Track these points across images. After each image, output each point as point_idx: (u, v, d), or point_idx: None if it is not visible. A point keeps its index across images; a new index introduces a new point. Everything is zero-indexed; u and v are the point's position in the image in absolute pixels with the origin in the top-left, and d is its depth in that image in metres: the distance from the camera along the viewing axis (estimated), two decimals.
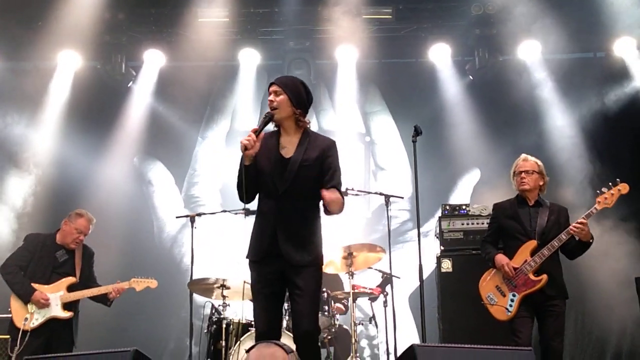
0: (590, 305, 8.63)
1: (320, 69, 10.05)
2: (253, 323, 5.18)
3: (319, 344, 6.62)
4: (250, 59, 9.80)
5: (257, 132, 4.40)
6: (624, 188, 5.66)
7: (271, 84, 4.61)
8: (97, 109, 9.69)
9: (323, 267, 6.07)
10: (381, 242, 7.22)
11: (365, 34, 9.39)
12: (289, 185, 4.47)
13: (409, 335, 8.74)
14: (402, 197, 7.57)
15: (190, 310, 7.02)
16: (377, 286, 7.19)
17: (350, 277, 6.76)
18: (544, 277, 5.63)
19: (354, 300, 6.80)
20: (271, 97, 4.55)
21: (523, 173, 5.89)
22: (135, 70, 9.88)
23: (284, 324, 6.35)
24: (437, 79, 9.89)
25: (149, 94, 9.92)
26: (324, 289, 6.78)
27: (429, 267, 7.42)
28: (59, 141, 9.49)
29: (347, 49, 9.61)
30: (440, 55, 9.76)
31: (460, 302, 6.90)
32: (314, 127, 9.59)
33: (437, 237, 7.49)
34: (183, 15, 9.23)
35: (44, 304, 6.27)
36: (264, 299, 4.51)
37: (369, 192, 7.60)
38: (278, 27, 9.67)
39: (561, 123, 9.45)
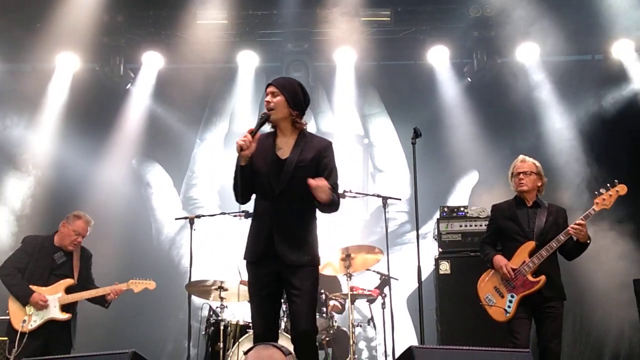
0: (588, 307, 8.64)
1: (319, 71, 10.06)
2: (251, 325, 5.17)
3: (317, 344, 6.65)
4: (248, 61, 9.80)
5: (253, 132, 4.41)
6: (622, 189, 5.67)
7: (268, 85, 4.61)
8: (95, 111, 9.69)
9: (321, 268, 6.07)
10: (379, 243, 7.22)
11: (364, 36, 9.41)
12: (284, 187, 4.47)
13: (407, 337, 8.74)
14: (400, 199, 7.57)
15: (188, 312, 7.03)
16: (376, 288, 7.19)
17: (349, 279, 6.76)
18: (542, 278, 5.64)
19: (352, 302, 6.79)
20: (268, 98, 4.56)
21: (521, 174, 5.90)
22: (133, 72, 9.88)
23: (282, 325, 6.35)
24: (435, 81, 9.91)
25: (147, 96, 9.93)
26: (322, 291, 6.78)
27: (427, 269, 7.41)
28: (57, 143, 9.49)
29: (345, 51, 9.62)
30: (438, 57, 9.77)
31: (458, 304, 6.90)
32: (312, 129, 9.66)
33: (435, 239, 7.49)
34: (181, 18, 9.24)
35: (42, 306, 6.27)
36: (261, 301, 4.52)
37: (367, 194, 7.60)
38: (276, 29, 9.68)
39: (559, 125, 9.47)
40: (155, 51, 9.69)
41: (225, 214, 7.28)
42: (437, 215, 7.59)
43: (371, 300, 7.26)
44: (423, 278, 5.63)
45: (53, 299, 6.34)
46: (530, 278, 5.68)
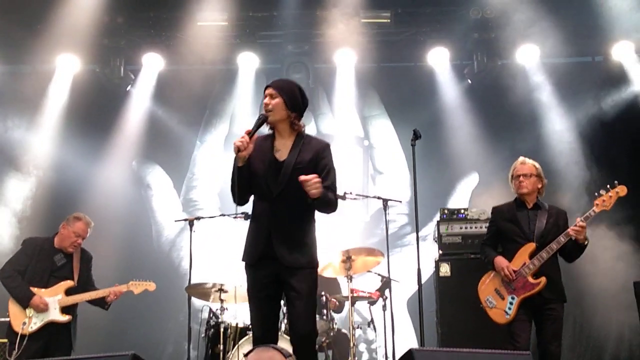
0: (588, 310, 8.63)
1: (319, 72, 10.07)
2: (251, 327, 5.17)
3: (317, 347, 6.65)
4: (249, 62, 9.81)
5: (250, 133, 4.42)
6: (622, 190, 5.67)
7: (267, 87, 4.61)
8: (95, 112, 9.69)
9: (322, 270, 6.07)
10: (380, 246, 7.22)
11: (364, 38, 9.41)
12: (282, 188, 4.47)
13: (407, 339, 8.73)
14: (401, 201, 7.57)
15: (188, 314, 7.02)
16: (376, 290, 7.19)
17: (349, 281, 6.75)
18: (543, 279, 5.64)
19: (353, 304, 6.79)
20: (266, 100, 4.56)
21: (521, 176, 5.90)
22: (133, 74, 9.89)
23: (282, 327, 6.34)
24: (435, 83, 9.90)
25: (147, 98, 9.93)
26: (322, 293, 6.78)
27: (428, 271, 7.41)
28: (58, 145, 9.49)
29: (345, 52, 9.62)
30: (438, 59, 9.77)
31: (458, 306, 6.90)
32: (312, 130, 9.66)
33: (436, 241, 7.49)
34: (182, 19, 9.23)
35: (42, 309, 6.26)
36: (260, 303, 4.52)
37: (368, 196, 7.60)
38: (277, 31, 9.66)
39: (559, 127, 9.46)
40: (156, 53, 9.68)
41: (224, 215, 7.29)
42: (437, 217, 7.59)
43: (371, 303, 7.26)
44: (423, 280, 5.62)
45: (53, 301, 6.33)
46: (531, 280, 5.67)
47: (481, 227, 7.20)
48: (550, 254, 5.65)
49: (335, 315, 7.12)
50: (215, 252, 8.90)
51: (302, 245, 4.50)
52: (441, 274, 7.21)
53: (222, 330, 6.49)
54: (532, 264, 5.67)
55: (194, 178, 10.03)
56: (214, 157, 9.97)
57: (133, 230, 9.66)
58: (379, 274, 7.26)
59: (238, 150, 4.37)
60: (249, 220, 4.70)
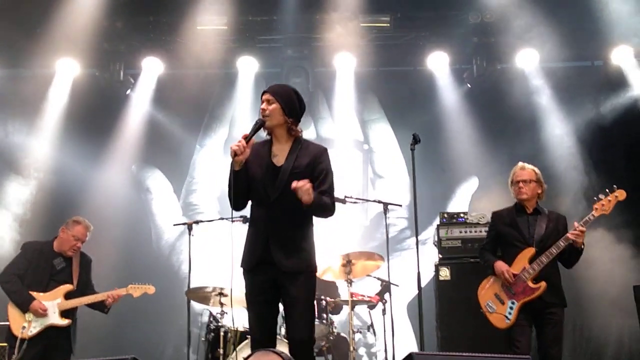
0: (587, 314, 8.64)
1: (319, 76, 10.07)
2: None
3: (317, 351, 6.64)
4: (248, 66, 9.82)
5: (247, 138, 4.42)
6: (621, 194, 5.66)
7: (264, 92, 4.61)
8: (95, 116, 9.68)
9: (322, 274, 6.06)
10: (379, 250, 7.21)
11: (364, 42, 9.43)
12: (280, 193, 4.46)
13: (407, 344, 8.72)
14: (401, 205, 7.56)
15: (188, 318, 7.01)
16: (376, 294, 7.18)
17: (349, 285, 6.75)
18: (543, 284, 5.63)
19: (352, 308, 6.79)
20: (263, 106, 4.56)
21: (521, 182, 5.89)
22: (133, 78, 9.90)
23: (282, 331, 6.34)
24: (435, 87, 9.91)
25: (147, 102, 9.93)
26: (322, 297, 6.77)
27: (427, 275, 7.42)
28: (57, 148, 9.49)
29: (345, 57, 9.63)
30: (438, 63, 9.77)
31: (458, 310, 6.90)
32: (312, 134, 9.67)
33: (435, 245, 7.49)
34: (181, 23, 9.24)
35: (41, 314, 6.26)
36: (258, 307, 4.51)
37: (367, 200, 7.60)
38: (276, 35, 9.67)
39: (559, 132, 9.47)
40: (155, 57, 9.69)
41: (223, 219, 7.28)
42: (437, 221, 7.60)
43: (371, 307, 7.25)
44: (423, 284, 5.63)
45: (52, 305, 6.33)
46: (531, 284, 5.67)
47: (481, 231, 7.21)
48: (549, 259, 5.65)
49: (334, 319, 7.11)
50: (215, 256, 8.89)
51: (299, 250, 4.49)
52: (441, 278, 7.21)
53: (222, 334, 6.48)
54: (532, 268, 5.67)
55: (194, 182, 10.03)
56: (214, 161, 9.98)
57: (133, 234, 9.66)
58: (378, 278, 7.26)
59: (235, 154, 4.37)
60: (247, 223, 4.70)
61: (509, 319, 5.71)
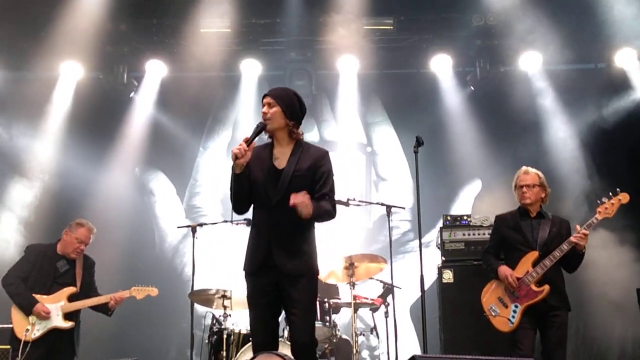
0: (591, 317, 8.61)
1: (322, 79, 10.08)
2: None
3: (320, 354, 6.64)
4: (251, 69, 9.83)
5: (248, 141, 4.43)
6: (624, 198, 5.66)
7: (265, 96, 4.63)
8: (99, 119, 9.69)
9: (326, 277, 6.06)
10: (382, 252, 7.21)
11: (367, 45, 9.44)
12: (281, 196, 4.46)
13: (410, 346, 8.71)
14: (404, 208, 7.56)
15: (191, 321, 7.01)
16: (379, 297, 7.18)
17: (352, 288, 6.75)
18: (546, 287, 5.63)
19: (355, 311, 6.78)
20: (264, 109, 4.57)
21: (524, 187, 5.88)
22: (137, 81, 9.91)
23: (285, 334, 6.35)
24: (438, 90, 9.91)
25: (150, 105, 9.95)
26: (325, 299, 6.77)
27: (430, 278, 7.42)
28: (61, 151, 9.51)
29: (348, 59, 9.63)
30: (441, 66, 9.78)
31: (461, 312, 6.89)
32: (315, 137, 9.68)
33: (439, 248, 7.48)
34: (185, 26, 9.25)
35: (44, 317, 6.26)
36: (260, 309, 4.52)
37: (371, 203, 7.59)
38: (279, 37, 9.68)
39: (562, 134, 9.45)
40: (159, 60, 9.70)
41: (227, 221, 7.28)
42: (440, 223, 7.58)
43: (374, 309, 7.25)
44: (426, 287, 5.62)
45: (55, 308, 6.34)
46: (534, 288, 5.67)
47: (484, 234, 7.19)
48: (553, 262, 5.64)
49: (337, 321, 7.10)
50: (219, 259, 8.90)
51: (301, 253, 4.50)
52: (444, 281, 7.19)
53: (225, 336, 6.48)
54: (535, 272, 5.67)
55: (197, 184, 10.04)
56: (217, 164, 9.99)
57: (136, 237, 9.67)
58: (381, 281, 7.26)
59: (236, 157, 4.38)
60: (250, 226, 4.70)
61: (512, 322, 5.70)
